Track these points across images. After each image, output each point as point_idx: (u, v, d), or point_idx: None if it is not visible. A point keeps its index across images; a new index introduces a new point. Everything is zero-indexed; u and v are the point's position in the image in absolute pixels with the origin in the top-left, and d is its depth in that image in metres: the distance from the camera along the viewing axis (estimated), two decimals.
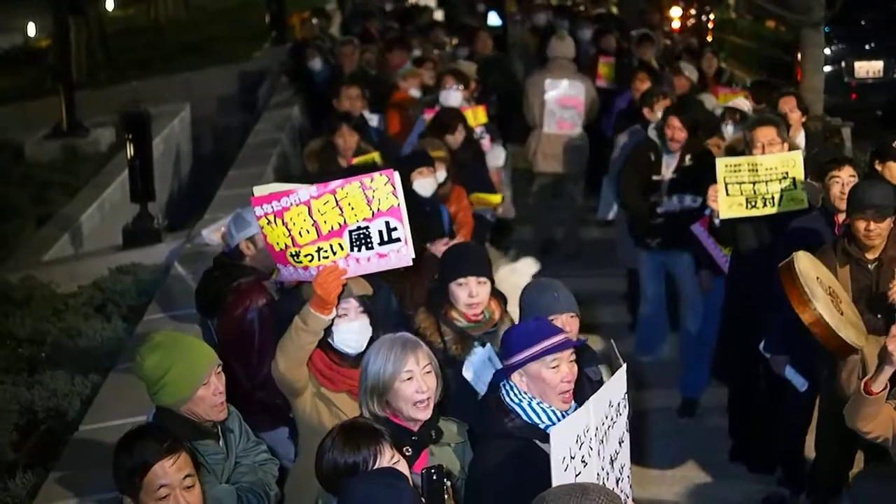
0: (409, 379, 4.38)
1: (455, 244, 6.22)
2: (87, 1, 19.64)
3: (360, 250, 4.74)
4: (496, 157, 10.35)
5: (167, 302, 8.18)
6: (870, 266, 6.12)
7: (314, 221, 4.74)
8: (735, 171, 7.20)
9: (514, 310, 5.30)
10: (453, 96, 10.17)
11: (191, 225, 10.39)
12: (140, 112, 10.97)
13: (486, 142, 10.09)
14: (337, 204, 4.71)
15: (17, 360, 7.88)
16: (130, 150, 10.69)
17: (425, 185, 7.44)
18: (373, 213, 4.70)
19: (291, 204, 4.75)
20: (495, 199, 9.18)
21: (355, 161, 8.70)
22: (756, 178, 7.20)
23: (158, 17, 26.29)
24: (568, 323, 4.90)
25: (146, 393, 4.46)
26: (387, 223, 4.71)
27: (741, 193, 7.23)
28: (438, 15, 20.55)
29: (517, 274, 6.92)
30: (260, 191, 4.91)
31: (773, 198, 7.20)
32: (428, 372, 4.43)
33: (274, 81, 17.16)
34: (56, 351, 7.89)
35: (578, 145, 11.61)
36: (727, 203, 7.25)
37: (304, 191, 4.76)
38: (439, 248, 6.59)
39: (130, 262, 9.50)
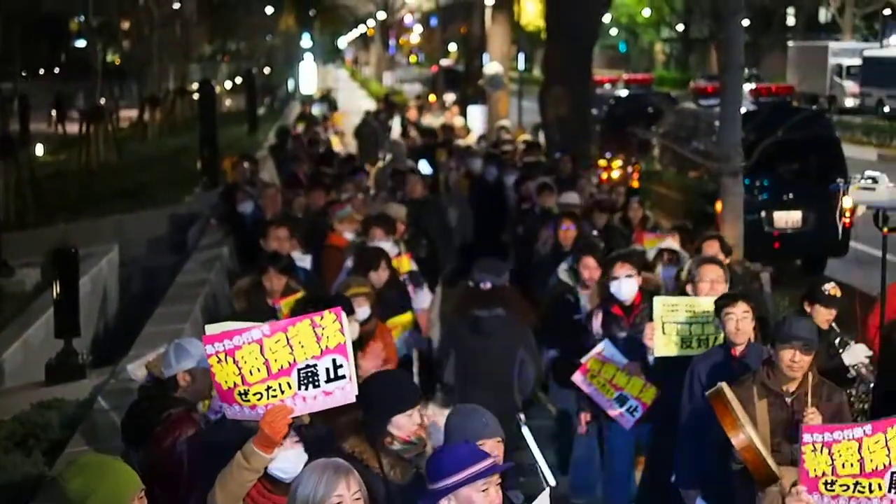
0: None
1: (383, 373, 6.22)
2: (16, 145, 19.69)
3: (307, 388, 4.78)
4: (421, 300, 10.53)
5: (90, 436, 8.07)
6: (787, 399, 6.21)
7: (265, 360, 4.77)
8: (672, 311, 7.31)
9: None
10: (383, 247, 10.29)
11: (116, 361, 10.31)
12: (68, 249, 10.98)
13: (409, 289, 10.23)
14: (288, 342, 4.77)
15: None
16: (57, 287, 10.66)
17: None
18: (321, 350, 4.76)
19: (244, 342, 4.78)
20: (406, 318, 9.30)
21: (282, 302, 8.78)
22: (693, 318, 7.30)
23: (90, 162, 26.32)
24: (496, 447, 4.98)
25: None
26: (333, 360, 4.78)
27: (677, 333, 7.33)
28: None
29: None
30: (212, 329, 4.89)
31: (707, 339, 7.29)
32: (357, 499, 4.42)
33: (204, 224, 17.23)
34: None
35: None
36: (663, 341, 7.34)
37: (257, 329, 4.80)
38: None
39: (53, 398, 9.37)
